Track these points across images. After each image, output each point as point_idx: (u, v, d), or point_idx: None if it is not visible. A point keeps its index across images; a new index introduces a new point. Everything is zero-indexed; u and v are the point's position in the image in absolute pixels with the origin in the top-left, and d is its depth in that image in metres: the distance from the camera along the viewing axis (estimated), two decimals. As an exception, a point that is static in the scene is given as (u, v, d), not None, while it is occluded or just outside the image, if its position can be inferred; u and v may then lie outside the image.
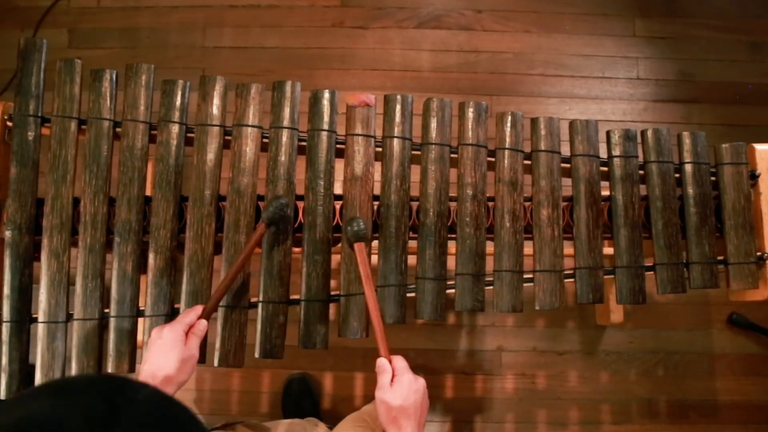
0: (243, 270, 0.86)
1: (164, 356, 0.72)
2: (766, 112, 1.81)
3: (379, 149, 0.95)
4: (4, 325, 0.86)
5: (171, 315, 0.88)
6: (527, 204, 0.98)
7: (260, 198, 0.93)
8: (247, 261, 0.85)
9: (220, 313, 0.88)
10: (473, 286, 0.93)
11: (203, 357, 0.87)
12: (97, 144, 0.90)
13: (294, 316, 0.90)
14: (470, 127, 0.98)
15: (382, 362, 0.77)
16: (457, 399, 1.61)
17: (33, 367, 0.86)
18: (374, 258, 0.93)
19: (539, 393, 1.62)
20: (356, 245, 0.86)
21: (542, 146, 0.99)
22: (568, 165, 1.00)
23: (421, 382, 0.75)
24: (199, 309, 0.80)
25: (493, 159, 0.98)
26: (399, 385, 0.74)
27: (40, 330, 0.86)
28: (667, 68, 1.84)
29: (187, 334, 0.76)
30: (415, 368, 0.78)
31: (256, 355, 0.88)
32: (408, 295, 0.92)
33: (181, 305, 0.88)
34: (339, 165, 0.95)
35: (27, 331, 0.87)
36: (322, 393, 1.59)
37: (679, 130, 1.03)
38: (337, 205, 0.94)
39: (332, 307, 0.91)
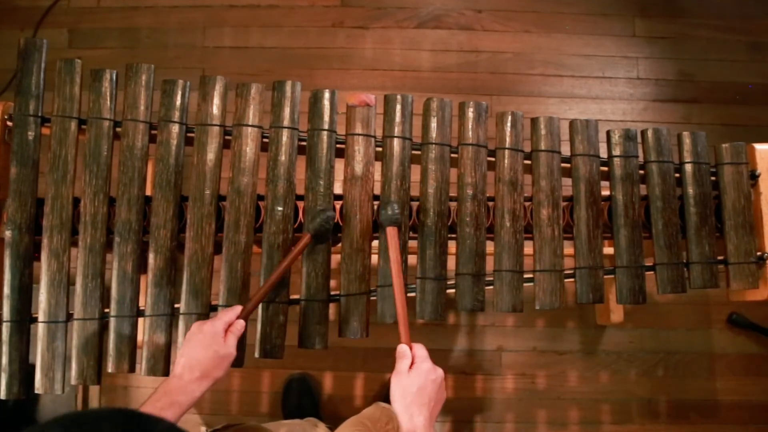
0: (283, 275, 0.87)
1: (203, 350, 0.73)
2: (766, 112, 1.81)
3: (379, 149, 0.95)
4: (4, 324, 0.86)
5: (171, 315, 0.88)
6: (527, 204, 0.98)
7: (260, 198, 0.93)
8: (289, 268, 0.86)
9: (220, 313, 0.88)
10: (473, 286, 0.93)
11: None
12: (97, 144, 0.90)
13: (294, 316, 0.90)
14: (470, 127, 0.98)
15: (402, 348, 0.76)
16: (457, 399, 1.61)
17: (33, 367, 0.86)
18: (374, 258, 0.93)
19: (539, 393, 1.62)
20: (388, 230, 0.84)
21: (542, 146, 0.99)
22: (568, 165, 1.00)
23: (439, 372, 0.75)
24: (238, 309, 0.81)
25: (493, 159, 0.98)
26: (417, 372, 0.73)
27: (40, 330, 0.86)
28: (667, 68, 1.84)
29: (225, 332, 0.76)
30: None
31: (256, 355, 0.88)
32: (408, 294, 0.92)
33: (182, 305, 0.88)
34: (339, 165, 0.95)
35: (27, 331, 0.87)
36: (322, 393, 1.59)
37: (679, 130, 1.03)
38: (337, 205, 0.94)
39: (332, 307, 0.92)
